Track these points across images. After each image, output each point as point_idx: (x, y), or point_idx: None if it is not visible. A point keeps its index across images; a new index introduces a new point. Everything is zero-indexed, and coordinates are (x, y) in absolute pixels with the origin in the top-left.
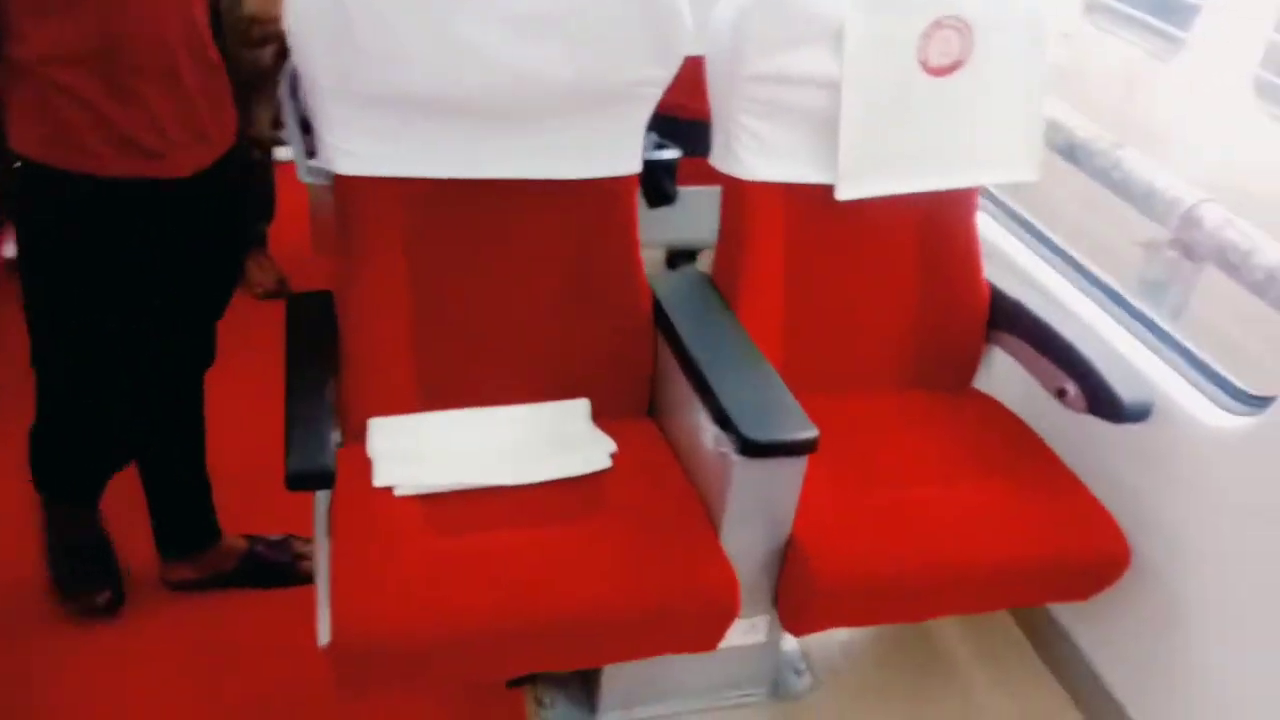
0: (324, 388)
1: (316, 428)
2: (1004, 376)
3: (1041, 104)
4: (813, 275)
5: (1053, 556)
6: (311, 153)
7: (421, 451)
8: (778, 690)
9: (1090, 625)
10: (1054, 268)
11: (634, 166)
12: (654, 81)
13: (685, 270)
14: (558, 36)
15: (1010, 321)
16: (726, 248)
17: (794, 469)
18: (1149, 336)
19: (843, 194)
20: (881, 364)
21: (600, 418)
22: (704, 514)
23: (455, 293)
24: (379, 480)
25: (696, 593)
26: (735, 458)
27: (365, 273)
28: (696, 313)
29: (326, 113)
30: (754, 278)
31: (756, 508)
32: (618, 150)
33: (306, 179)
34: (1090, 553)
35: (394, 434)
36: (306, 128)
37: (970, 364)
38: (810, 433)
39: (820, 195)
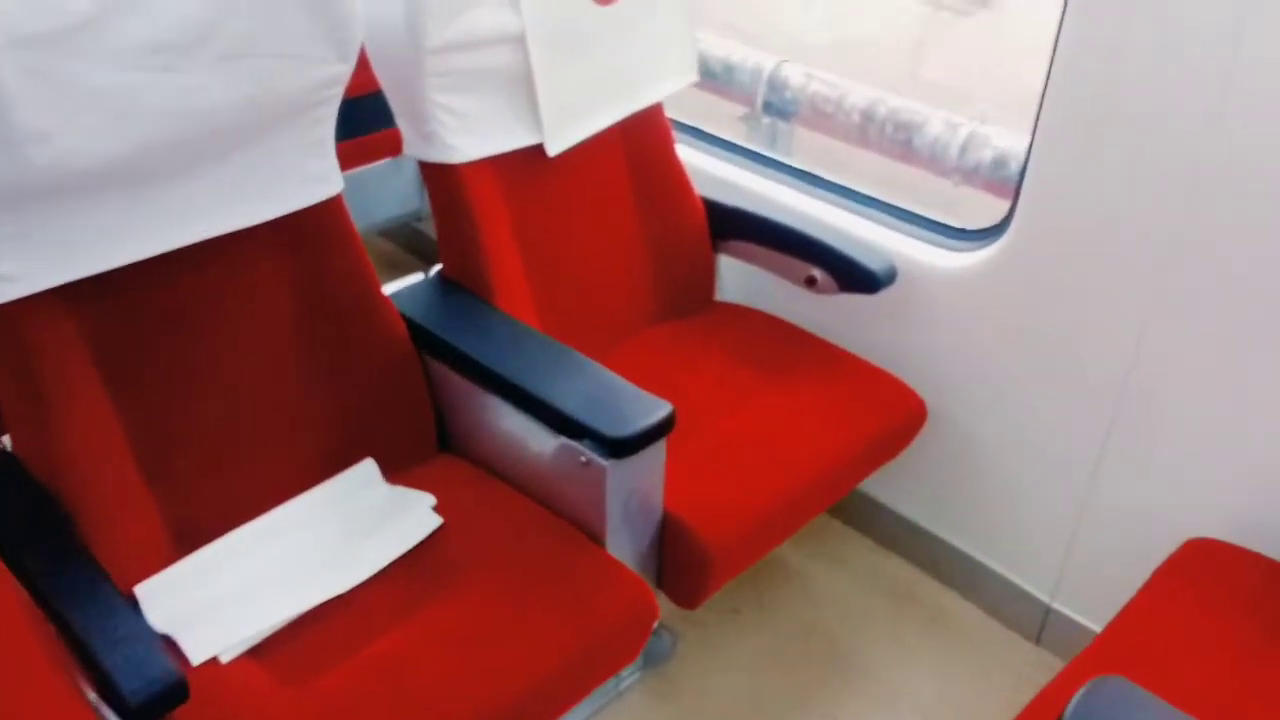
0: (90, 571)
1: (127, 628)
2: (736, 282)
3: (690, 10)
4: (543, 239)
5: (872, 433)
6: None
7: (221, 598)
8: (650, 660)
9: (891, 483)
10: (741, 168)
11: (336, 184)
12: (336, 80)
13: (420, 281)
14: (206, 60)
15: (734, 229)
16: (454, 238)
17: (658, 452)
18: (853, 205)
19: (554, 149)
20: (629, 306)
21: (392, 474)
22: (575, 531)
23: (174, 397)
24: (196, 656)
25: (617, 616)
26: (605, 463)
27: (64, 416)
28: (462, 321)
29: None
30: (495, 261)
31: (633, 503)
32: (314, 170)
33: None
34: (897, 417)
35: (176, 593)
36: None
37: (707, 279)
38: (665, 409)
39: (529, 156)
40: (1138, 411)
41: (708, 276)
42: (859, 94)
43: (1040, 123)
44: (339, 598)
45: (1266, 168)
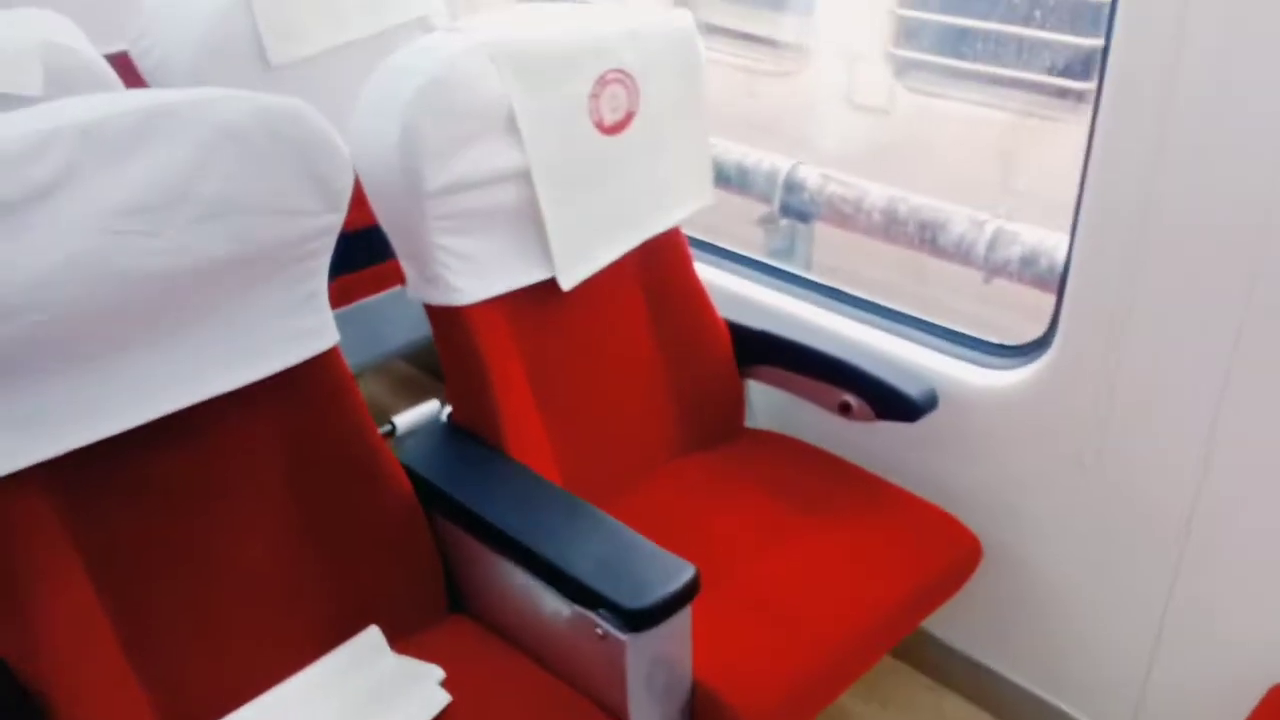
0: None
1: None
2: (768, 408)
3: (706, 130)
4: (557, 376)
5: (923, 577)
6: None
7: None
8: None
9: (946, 616)
10: (767, 287)
11: (330, 337)
12: (326, 230)
13: (426, 430)
14: (182, 222)
15: (761, 353)
16: (463, 383)
17: (683, 618)
18: (884, 323)
19: (567, 283)
20: (654, 438)
21: (401, 639)
22: (594, 709)
23: (161, 575)
24: None
25: None
26: (623, 637)
27: (43, 606)
28: (470, 474)
29: None
30: (506, 406)
31: (657, 676)
32: (306, 324)
33: None
34: (949, 556)
35: None
36: None
37: (735, 406)
38: (688, 572)
39: (540, 290)
40: (1206, 546)
41: (736, 403)
42: (877, 193)
43: (1079, 229)
44: None
45: None
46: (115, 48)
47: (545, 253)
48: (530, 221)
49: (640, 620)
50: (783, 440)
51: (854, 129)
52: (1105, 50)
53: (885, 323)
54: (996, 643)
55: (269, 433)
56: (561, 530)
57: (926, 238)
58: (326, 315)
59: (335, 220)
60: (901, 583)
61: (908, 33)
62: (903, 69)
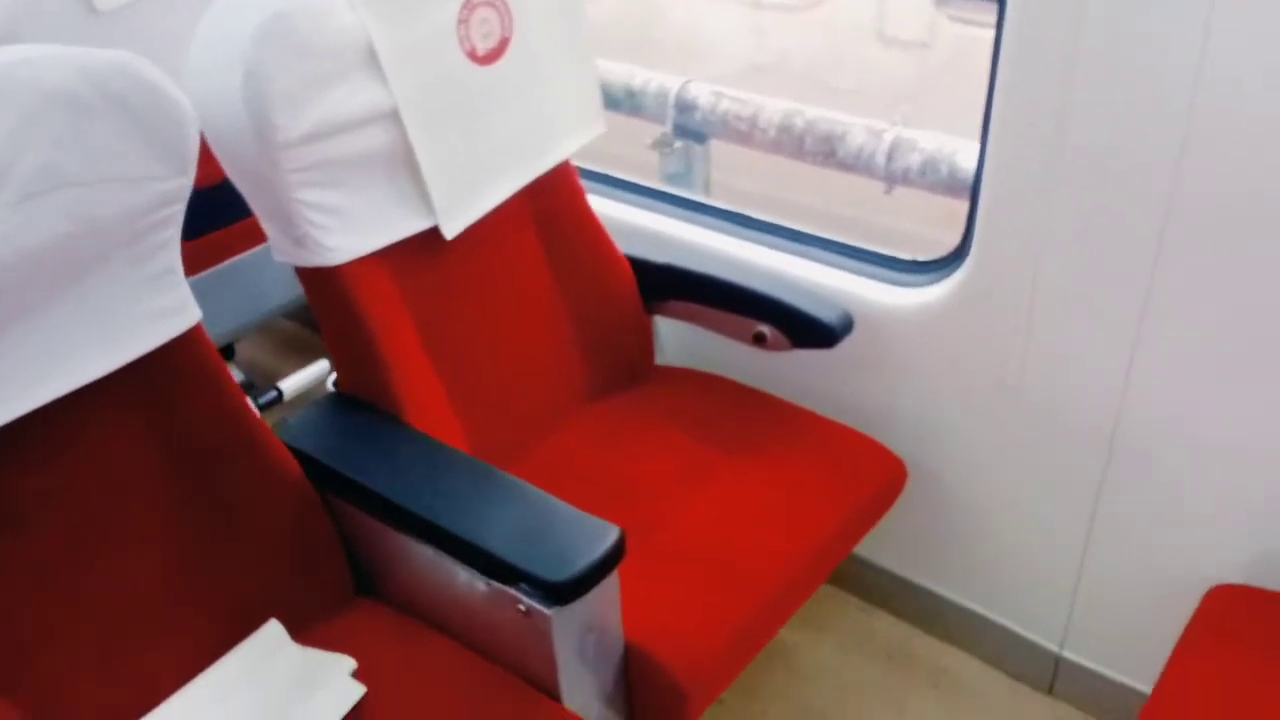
0: None
1: None
2: (677, 343)
3: (591, 54)
4: (451, 332)
5: (852, 505)
6: None
7: None
8: None
9: (873, 538)
10: (667, 217)
11: (191, 315)
12: (175, 196)
13: (312, 405)
14: (11, 200)
15: (668, 288)
16: (346, 349)
17: (611, 582)
18: (790, 245)
19: (451, 230)
20: (561, 386)
21: (305, 630)
22: (522, 684)
23: (26, 604)
24: None
25: None
26: (548, 611)
27: None
28: (364, 448)
29: None
30: (398, 369)
31: (587, 645)
32: (161, 304)
33: None
34: (875, 481)
35: None
36: None
37: (644, 345)
38: (612, 534)
39: (424, 240)
40: (1132, 455)
41: (644, 342)
42: (773, 108)
43: (991, 139)
44: None
45: (1239, 189)
46: None
47: (424, 199)
48: (403, 166)
49: (564, 593)
50: (696, 376)
51: (883, 67)
52: None
53: (793, 245)
54: (925, 561)
55: (135, 430)
56: (470, 501)
57: (825, 150)
58: (184, 291)
59: (183, 184)
60: (831, 513)
61: None
62: None
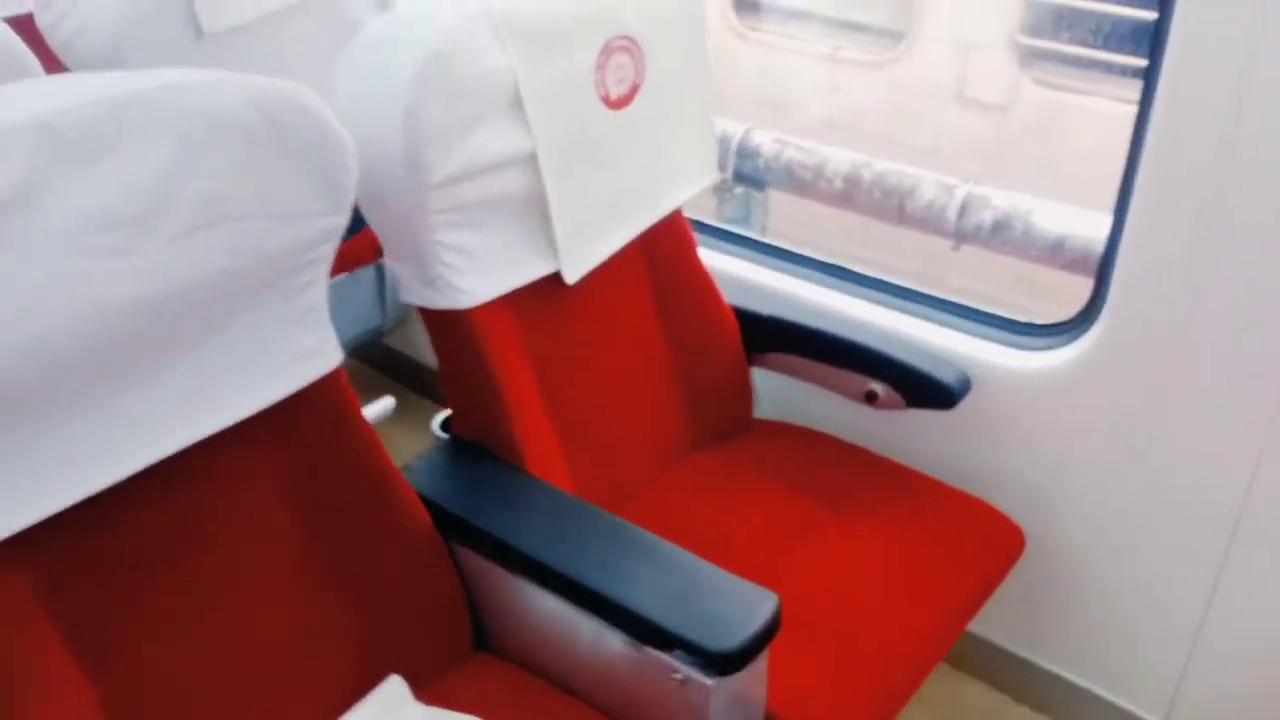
0: None
1: None
2: (770, 396)
3: (710, 104)
4: (564, 379)
5: (975, 575)
6: None
7: None
8: None
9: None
10: (760, 265)
11: (333, 357)
12: (329, 235)
13: (436, 450)
14: (166, 234)
15: (773, 340)
16: (468, 394)
17: (764, 655)
18: (898, 302)
19: (572, 276)
20: (662, 438)
21: (424, 687)
22: None
23: (155, 651)
24: None
25: None
26: (708, 682)
27: (25, 703)
28: (493, 498)
29: None
30: (520, 418)
31: (735, 715)
32: (305, 344)
33: None
34: (995, 550)
35: None
36: None
37: (744, 398)
38: (771, 603)
39: (543, 286)
40: (1255, 541)
41: (744, 394)
42: (840, 159)
43: (1132, 209)
44: None
45: None
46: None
47: (548, 244)
48: (534, 210)
49: (729, 663)
50: (796, 431)
51: (961, 128)
52: (1162, 19)
53: (904, 303)
54: (1024, 629)
55: (268, 471)
56: (613, 559)
57: (893, 204)
58: (327, 331)
59: (339, 223)
60: (954, 581)
61: (1042, 20)
62: (1029, 59)
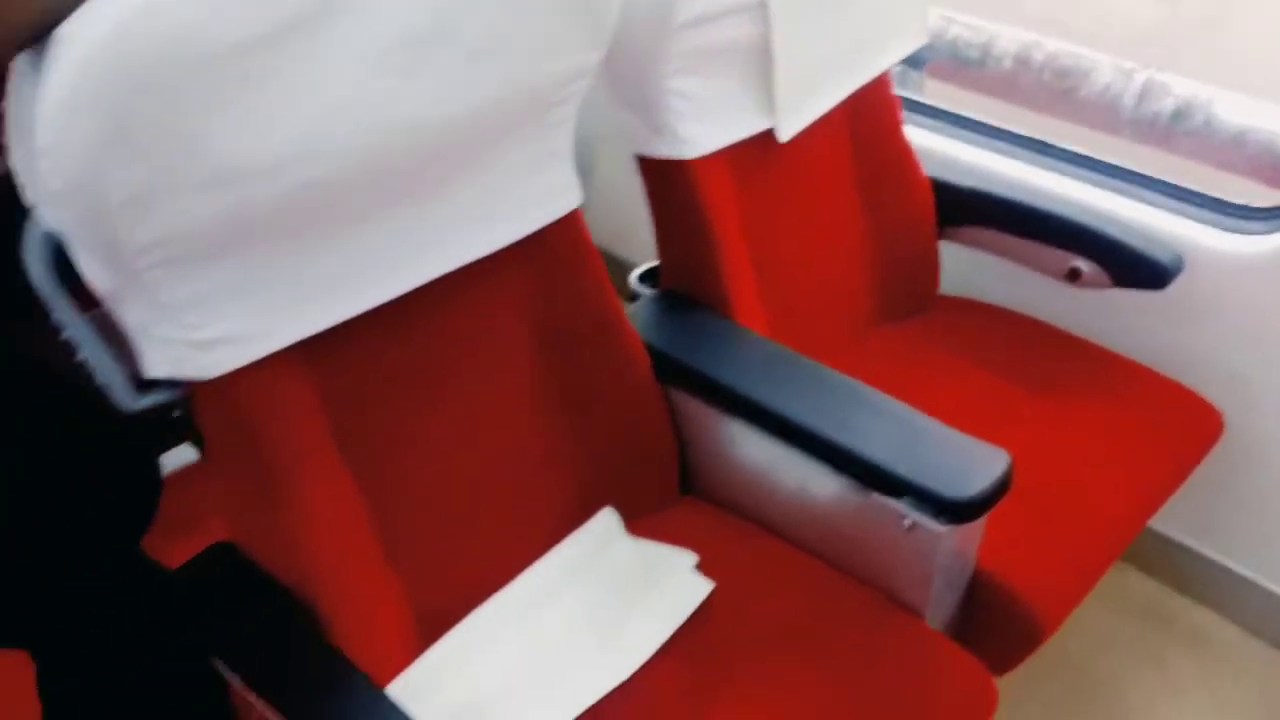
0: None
1: None
2: (953, 272)
3: None
4: (768, 239)
5: (1175, 459)
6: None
7: (484, 699)
8: None
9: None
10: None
11: (576, 196)
12: (585, 71)
13: (650, 299)
14: (453, 59)
15: (970, 213)
16: (682, 245)
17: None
18: (1098, 178)
19: (787, 132)
20: (849, 308)
21: (632, 520)
22: (880, 597)
23: (412, 459)
24: None
25: (959, 710)
26: (939, 529)
27: (303, 497)
28: (710, 345)
29: (155, 293)
30: (730, 271)
31: (954, 567)
32: (552, 181)
33: (139, 405)
34: (1192, 435)
35: (435, 693)
36: None
37: (931, 272)
38: (1004, 460)
39: (756, 144)
40: None
41: (933, 268)
42: (1009, 36)
43: None
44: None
45: None
46: None
47: (767, 99)
48: (756, 61)
49: (962, 513)
50: (984, 308)
51: (1127, 13)
52: None
53: (1107, 180)
54: (1192, 518)
55: (513, 303)
56: (837, 407)
57: (1064, 88)
58: (570, 170)
59: (594, 59)
60: (1151, 463)
61: None
62: None
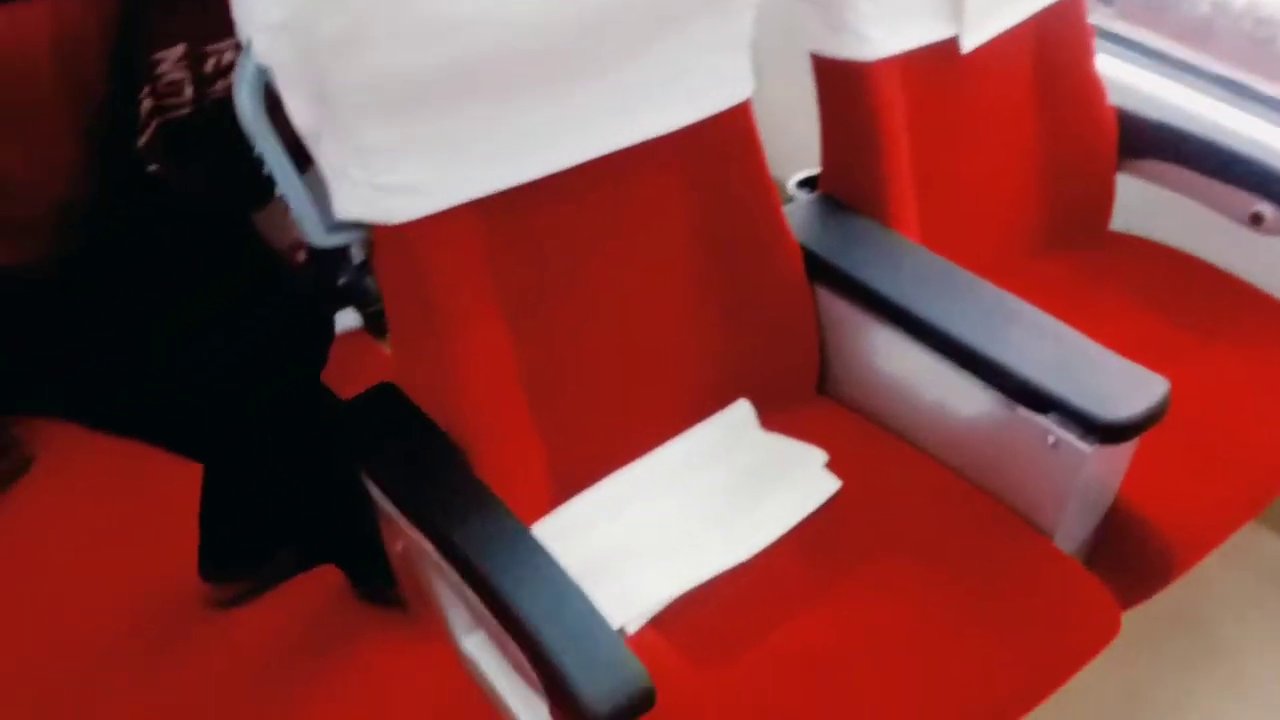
0: (532, 546)
1: (589, 623)
2: (1129, 209)
3: None
4: (935, 155)
5: None
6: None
7: (613, 556)
8: None
9: None
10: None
11: (748, 85)
12: None
13: (807, 201)
14: None
15: (1153, 146)
16: (847, 150)
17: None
18: None
19: (970, 43)
20: (1011, 235)
21: (765, 413)
22: (1009, 514)
23: (565, 326)
24: None
25: (1081, 635)
26: (1086, 449)
27: (461, 343)
28: (865, 251)
29: (353, 135)
30: (893, 181)
31: (1092, 491)
32: (727, 68)
33: (328, 242)
34: None
35: (569, 545)
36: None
37: (1104, 206)
38: (1162, 387)
39: (934, 54)
40: None
41: (1105, 203)
42: None
43: None
44: (735, 566)
45: None
46: None
47: (954, 5)
48: None
49: (1114, 433)
50: (1157, 249)
51: None
52: None
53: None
54: None
55: (677, 186)
56: (994, 323)
57: (1266, 35)
58: (746, 61)
59: None
60: None
61: None
62: None
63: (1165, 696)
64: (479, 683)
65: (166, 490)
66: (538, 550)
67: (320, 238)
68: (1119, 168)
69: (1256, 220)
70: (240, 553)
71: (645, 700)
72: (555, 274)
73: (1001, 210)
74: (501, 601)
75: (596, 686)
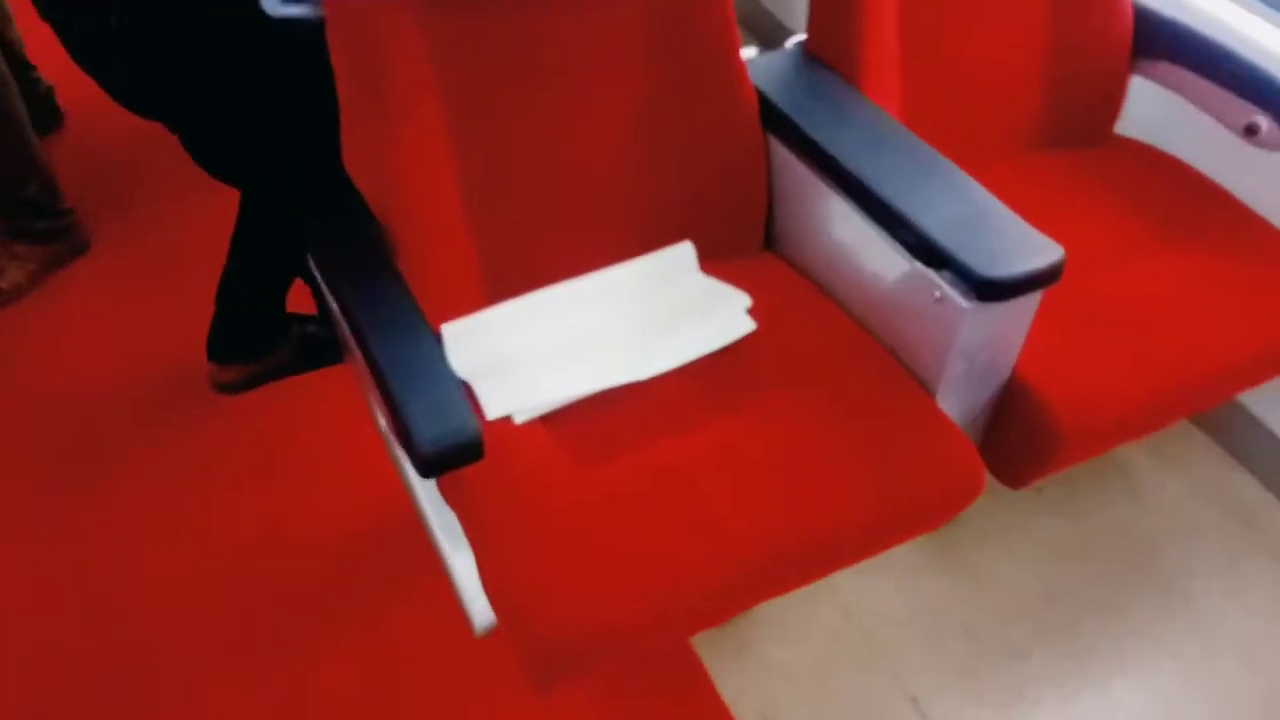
0: (404, 302)
1: (432, 370)
2: (1144, 114)
3: None
4: (928, 24)
5: None
6: None
7: (521, 356)
8: None
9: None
10: None
11: None
12: None
13: (783, 52)
14: None
15: (1163, 48)
16: (829, 10)
17: (1030, 303)
18: None
19: None
20: (1012, 124)
21: (708, 260)
22: (901, 370)
23: (509, 138)
24: (491, 411)
25: (939, 483)
26: (964, 305)
27: (400, 131)
28: (822, 105)
29: None
30: (870, 38)
31: (980, 356)
32: None
33: (282, 10)
34: None
35: (480, 341)
36: None
37: (1111, 106)
38: (1054, 253)
39: None
40: None
41: (1113, 103)
42: None
43: None
44: (635, 384)
45: None
46: None
47: None
48: None
49: (989, 290)
50: (1156, 155)
51: None
52: None
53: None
54: None
55: (632, 15)
56: (916, 181)
57: None
58: None
59: None
60: (1257, 333)
61: None
62: None
63: (1095, 598)
64: (389, 453)
65: (201, 284)
66: (415, 321)
67: (274, 6)
68: (1132, 69)
69: (1251, 131)
70: (243, 336)
71: (471, 448)
72: (502, 83)
73: (1001, 96)
74: (371, 357)
75: (429, 429)
